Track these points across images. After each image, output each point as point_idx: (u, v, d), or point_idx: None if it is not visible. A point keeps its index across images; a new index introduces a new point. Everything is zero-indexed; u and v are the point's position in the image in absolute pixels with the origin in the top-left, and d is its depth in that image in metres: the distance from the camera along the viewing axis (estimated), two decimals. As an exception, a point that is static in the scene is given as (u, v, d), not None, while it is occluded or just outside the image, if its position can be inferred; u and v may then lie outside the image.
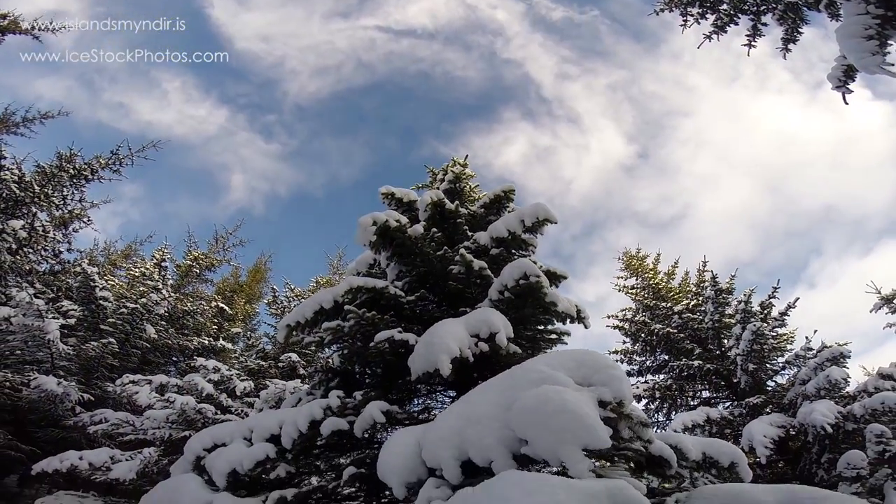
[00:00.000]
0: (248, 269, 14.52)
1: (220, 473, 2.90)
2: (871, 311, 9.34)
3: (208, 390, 7.11)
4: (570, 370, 2.19)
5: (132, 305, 9.18)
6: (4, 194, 8.86)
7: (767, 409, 8.39)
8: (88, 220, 10.07)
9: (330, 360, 3.88)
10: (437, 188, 5.07)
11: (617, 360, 11.24)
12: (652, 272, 11.08)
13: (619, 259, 11.76)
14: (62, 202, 9.43)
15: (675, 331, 9.77)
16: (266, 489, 3.11)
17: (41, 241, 9.44)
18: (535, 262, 3.50)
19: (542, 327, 3.45)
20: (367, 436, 3.13)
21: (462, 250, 3.51)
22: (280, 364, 8.63)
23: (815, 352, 8.65)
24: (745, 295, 9.10)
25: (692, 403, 9.22)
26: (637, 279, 11.27)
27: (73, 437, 7.40)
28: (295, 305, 10.80)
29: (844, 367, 7.93)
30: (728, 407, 8.65)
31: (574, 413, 1.93)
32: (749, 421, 7.86)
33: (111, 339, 8.28)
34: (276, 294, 11.38)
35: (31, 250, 9.38)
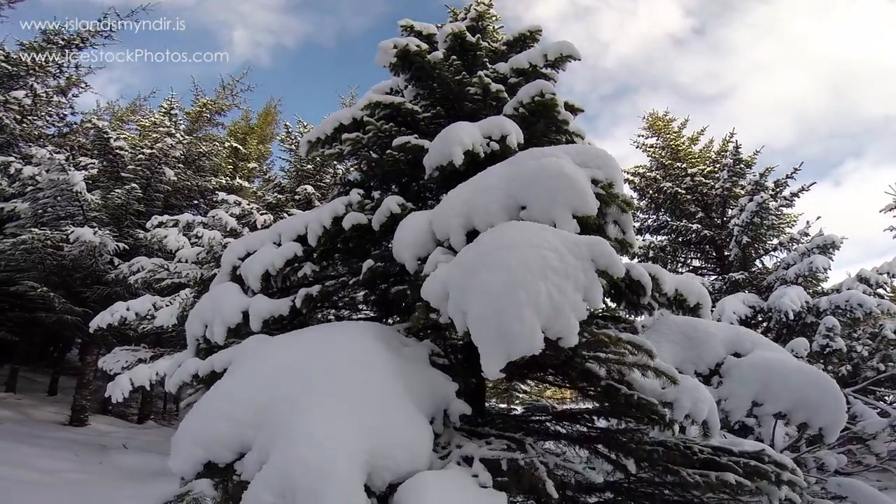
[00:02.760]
0: (259, 113, 14.57)
1: (255, 277, 3.02)
2: (880, 211, 9.31)
3: (232, 224, 7.61)
4: (569, 154, 2.44)
5: (149, 151, 9.37)
6: (-4, 72, 8.92)
7: (747, 290, 8.91)
8: (87, 86, 10.23)
9: (348, 175, 4.19)
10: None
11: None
12: (675, 135, 10.87)
13: (643, 119, 11.42)
14: (58, 70, 9.58)
15: (684, 192, 9.88)
16: (295, 290, 3.55)
17: (45, 107, 9.76)
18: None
19: (550, 145, 3.65)
20: (384, 233, 3.44)
21: (480, 73, 3.56)
22: (297, 197, 8.99)
23: (809, 238, 8.88)
24: (764, 169, 9.05)
25: (680, 270, 9.83)
26: (658, 139, 11.09)
27: (118, 292, 7.98)
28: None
29: (831, 257, 7.91)
30: (712, 280, 9.16)
31: (568, 177, 2.21)
32: (727, 297, 8.41)
33: (134, 185, 8.57)
34: (290, 130, 11.45)
35: (36, 117, 9.76)
